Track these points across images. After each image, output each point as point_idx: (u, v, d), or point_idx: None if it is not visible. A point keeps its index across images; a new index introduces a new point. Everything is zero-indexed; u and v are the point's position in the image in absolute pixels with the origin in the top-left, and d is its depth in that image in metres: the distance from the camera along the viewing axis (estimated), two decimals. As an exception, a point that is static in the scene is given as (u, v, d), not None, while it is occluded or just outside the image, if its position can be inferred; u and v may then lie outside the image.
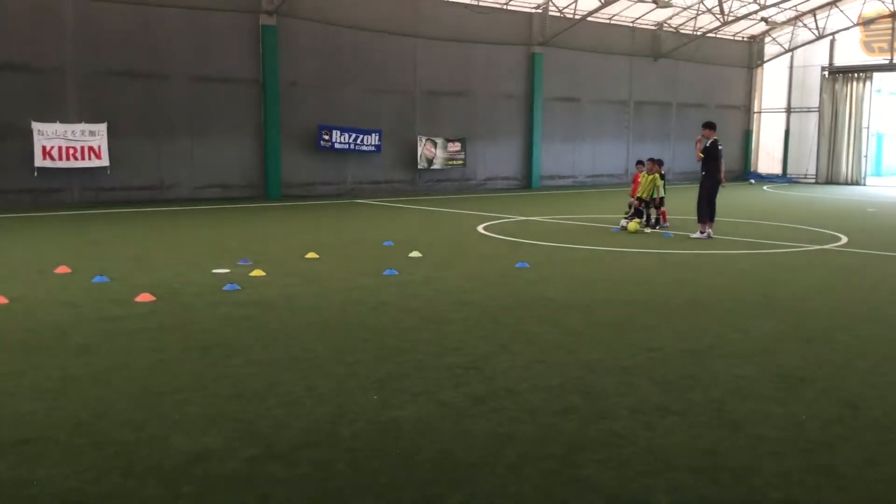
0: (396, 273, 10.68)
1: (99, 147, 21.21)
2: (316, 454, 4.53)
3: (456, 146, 28.92)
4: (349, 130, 26.02)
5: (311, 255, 12.30)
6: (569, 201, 24.68)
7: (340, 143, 25.85)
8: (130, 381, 5.87)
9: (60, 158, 20.71)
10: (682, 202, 20.16)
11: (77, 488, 4.04)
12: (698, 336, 7.47)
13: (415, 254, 12.51)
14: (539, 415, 5.21)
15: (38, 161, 20.41)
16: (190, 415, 5.15)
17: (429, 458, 4.48)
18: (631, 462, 4.49)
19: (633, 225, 16.01)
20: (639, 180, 17.08)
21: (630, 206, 17.80)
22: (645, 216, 16.49)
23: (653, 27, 34.38)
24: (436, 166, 28.44)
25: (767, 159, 39.69)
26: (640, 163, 17.92)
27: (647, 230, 16.17)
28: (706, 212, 15.21)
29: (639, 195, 16.53)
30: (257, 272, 10.55)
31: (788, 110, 38.54)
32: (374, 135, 26.57)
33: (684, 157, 34.97)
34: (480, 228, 16.68)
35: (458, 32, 28.41)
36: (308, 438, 4.77)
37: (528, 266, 11.41)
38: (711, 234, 15.14)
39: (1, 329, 7.36)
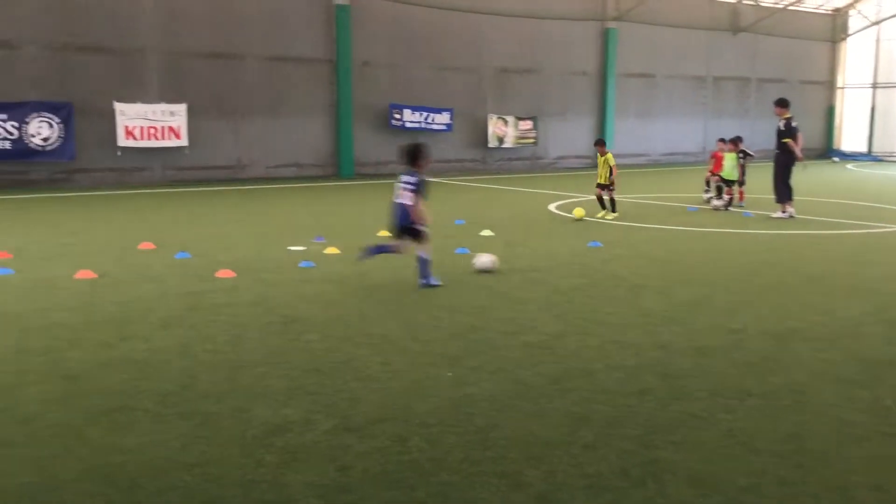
0: (468, 251, 10.69)
1: (179, 127, 21.79)
2: (392, 428, 4.59)
3: (527, 124, 28.70)
4: (420, 109, 26.09)
5: (383, 233, 12.40)
6: (643, 180, 24.25)
7: (411, 121, 25.95)
8: (213, 353, 6.05)
9: (142, 138, 21.37)
10: (760, 181, 19.59)
11: (165, 456, 4.19)
12: (780, 318, 7.27)
13: (486, 232, 12.50)
14: (615, 395, 5.16)
15: (121, 141, 21.11)
16: (270, 387, 5.28)
17: (504, 436, 4.49)
18: (710, 444, 4.41)
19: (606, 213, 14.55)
20: (720, 158, 16.69)
21: (707, 183, 17.45)
22: (724, 195, 16.13)
23: (732, 0, 33.32)
24: (506, 145, 28.30)
25: (851, 136, 38.19)
26: (722, 140, 17.52)
27: (723, 209, 15.81)
28: (784, 191, 14.74)
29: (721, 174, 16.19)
30: (332, 249, 10.71)
31: (874, 86, 36.95)
32: (444, 113, 26.57)
33: (763, 134, 33.90)
34: (552, 207, 16.55)
35: (529, 8, 28.08)
36: (384, 413, 4.83)
37: (601, 245, 11.28)
38: (794, 214, 14.67)
39: (90, 303, 7.67)
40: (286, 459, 4.17)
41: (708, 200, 16.99)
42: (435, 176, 25.79)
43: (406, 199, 8.38)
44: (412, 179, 8.43)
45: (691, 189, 19.31)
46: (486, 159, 28.28)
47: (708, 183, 17.49)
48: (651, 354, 6.08)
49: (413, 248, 8.56)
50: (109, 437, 4.44)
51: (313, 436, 4.48)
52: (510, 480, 3.94)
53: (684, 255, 10.72)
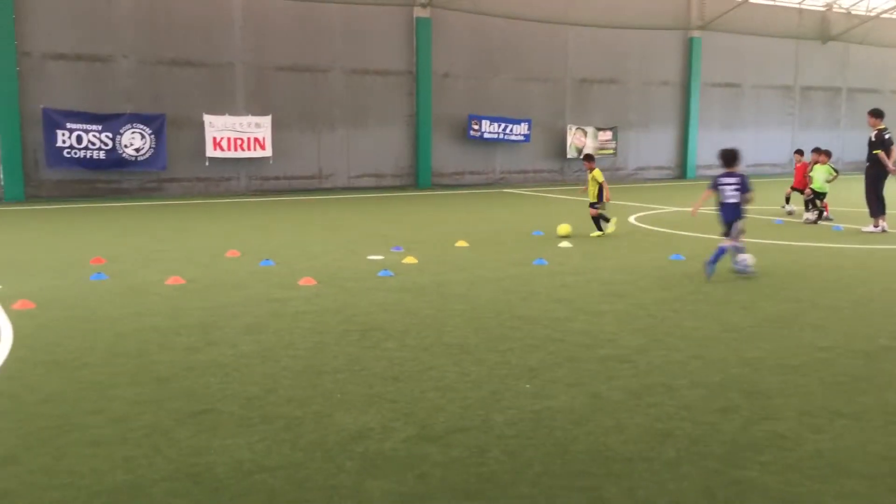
0: (546, 263, 10.64)
1: (264, 138, 22.40)
2: (470, 439, 4.59)
3: (607, 135, 28.41)
4: (498, 120, 26.13)
5: (460, 243, 12.47)
6: (726, 192, 23.65)
7: (490, 132, 26.01)
8: (295, 359, 6.18)
9: (229, 149, 22.04)
10: (851, 194, 18.87)
11: (249, 459, 4.30)
12: (871, 336, 6.98)
13: (565, 244, 12.41)
14: (698, 412, 5.04)
15: (209, 151, 21.83)
16: (350, 394, 5.36)
17: (584, 450, 4.44)
18: (798, 466, 4.26)
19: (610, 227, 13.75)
20: (804, 170, 16.20)
21: (787, 199, 17.08)
22: (814, 209, 15.67)
23: (821, 8, 32.31)
24: (586, 156, 28.05)
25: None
26: (798, 152, 17.05)
27: (813, 222, 15.32)
28: (876, 204, 14.17)
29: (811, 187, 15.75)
30: (410, 259, 10.81)
31: (977, 94, 35.20)
32: (523, 124, 26.54)
33: (855, 145, 32.69)
34: (632, 219, 16.32)
35: (610, 18, 27.84)
36: (462, 423, 4.84)
37: (683, 258, 11.06)
38: (886, 228, 14.08)
39: (179, 308, 7.93)
40: (366, 466, 4.22)
41: (789, 213, 16.62)
42: (512, 187, 25.77)
43: (735, 198, 9.49)
44: (734, 180, 9.51)
45: (778, 201, 18.75)
46: (564, 170, 28.09)
47: (787, 199, 17.15)
48: (736, 371, 5.91)
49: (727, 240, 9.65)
50: (196, 438, 4.58)
51: (392, 443, 4.52)
52: (590, 496, 3.89)
53: (770, 269, 10.40)
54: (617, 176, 29.12)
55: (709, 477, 4.10)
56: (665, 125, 29.99)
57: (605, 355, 6.30)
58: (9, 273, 9.74)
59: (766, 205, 19.14)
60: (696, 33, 29.60)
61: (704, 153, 30.59)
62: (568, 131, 27.60)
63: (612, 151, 28.60)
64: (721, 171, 9.75)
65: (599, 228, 13.71)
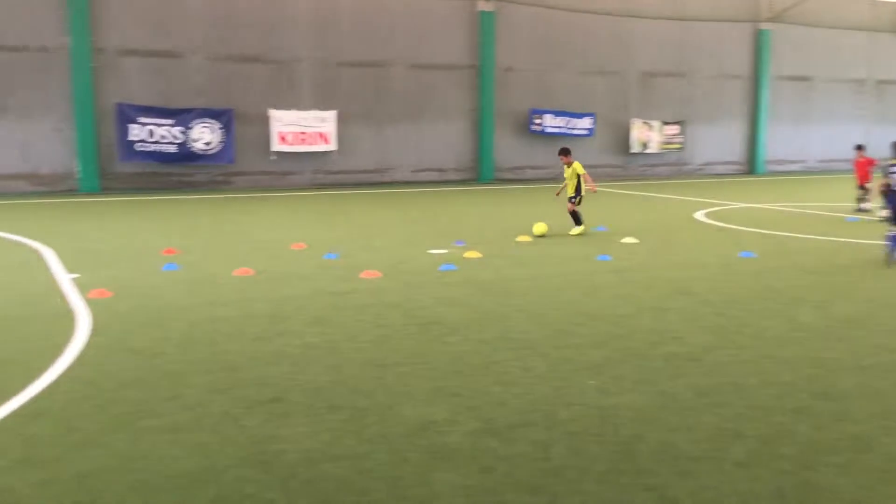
0: (610, 258, 10.53)
1: (328, 133, 22.69)
2: (534, 434, 4.59)
3: (673, 129, 27.94)
4: (561, 114, 25.94)
5: (522, 237, 12.43)
6: (797, 188, 23.05)
7: (552, 126, 25.84)
8: (359, 351, 6.25)
9: (294, 143, 22.39)
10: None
11: (317, 448, 4.38)
12: (953, 339, 6.72)
13: (629, 239, 12.27)
14: (769, 412, 4.93)
15: (275, 145, 22.21)
16: (413, 387, 5.40)
17: (650, 448, 4.39)
18: (873, 469, 4.14)
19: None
20: (866, 166, 15.73)
21: (860, 197, 16.57)
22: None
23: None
24: (650, 150, 27.64)
25: None
26: (859, 147, 16.54)
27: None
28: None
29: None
30: (472, 253, 10.82)
31: None
32: (586, 118, 26.30)
33: (934, 140, 31.46)
34: (699, 215, 16.02)
35: (677, 10, 27.36)
36: (526, 417, 4.84)
37: (753, 255, 10.82)
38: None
39: (247, 298, 8.11)
40: (430, 458, 4.25)
41: (865, 210, 16.16)
42: (575, 182, 25.57)
43: None
44: None
45: (849, 198, 18.17)
46: (627, 165, 27.73)
47: (861, 198, 16.65)
48: (808, 371, 5.77)
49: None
50: (265, 426, 4.68)
51: (456, 436, 4.55)
52: (657, 494, 3.85)
53: (844, 268, 10.10)
54: (683, 171, 28.62)
55: (780, 478, 4.02)
56: (733, 119, 29.34)
57: (671, 353, 6.21)
58: (85, 262, 10.08)
59: (838, 201, 18.58)
60: (765, 25, 28.85)
61: (774, 148, 29.81)
62: (632, 125, 27.22)
63: (678, 146, 28.12)
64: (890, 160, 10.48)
65: (578, 223, 12.95)
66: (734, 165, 29.70)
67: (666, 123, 27.73)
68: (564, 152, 13.22)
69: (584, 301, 8.07)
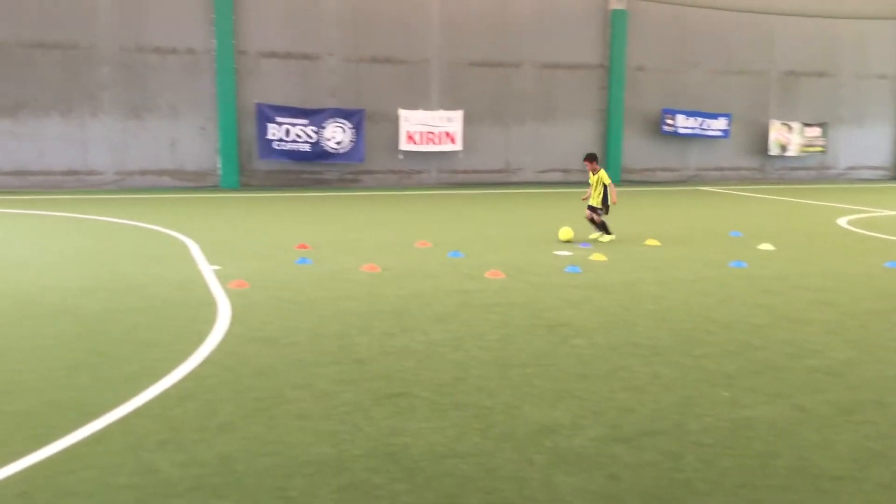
0: (745, 265, 10.14)
1: (455, 132, 22.91)
2: (663, 443, 4.47)
3: (815, 131, 26.56)
4: (694, 114, 25.16)
5: (651, 241, 12.15)
6: (953, 195, 21.42)
7: (685, 127, 25.10)
8: (484, 350, 6.29)
9: (421, 143, 22.74)
10: None
11: (442, 443, 4.43)
12: None
13: (765, 246, 11.76)
14: (919, 434, 4.62)
15: (403, 145, 22.64)
16: (538, 388, 5.38)
17: (787, 465, 4.20)
18: None
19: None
20: None
21: None
22: None
23: None
24: (790, 153, 26.40)
25: None
26: None
27: None
28: None
29: None
30: (598, 256, 10.66)
31: None
32: (721, 119, 25.40)
33: None
34: (842, 222, 15.17)
35: (821, 7, 25.98)
36: (654, 426, 4.73)
37: (901, 266, 10.15)
38: None
39: (375, 294, 8.31)
40: (555, 461, 4.23)
41: None
42: (709, 184, 24.73)
43: None
44: None
45: None
46: (765, 168, 26.59)
47: None
48: (964, 393, 5.35)
49: None
50: (392, 419, 4.78)
51: (581, 441, 4.50)
52: (793, 513, 3.68)
53: None
54: (825, 175, 27.17)
55: (932, 506, 3.75)
56: (881, 122, 27.59)
57: (810, 366, 5.91)
58: (225, 254, 10.61)
59: None
60: (921, 20, 26.98)
61: (926, 152, 27.86)
62: (771, 127, 26.06)
63: (821, 149, 26.71)
64: None
65: (597, 229, 12.47)
66: (881, 171, 27.94)
67: (807, 125, 26.40)
68: (591, 158, 12.50)
69: (716, 309, 7.80)
